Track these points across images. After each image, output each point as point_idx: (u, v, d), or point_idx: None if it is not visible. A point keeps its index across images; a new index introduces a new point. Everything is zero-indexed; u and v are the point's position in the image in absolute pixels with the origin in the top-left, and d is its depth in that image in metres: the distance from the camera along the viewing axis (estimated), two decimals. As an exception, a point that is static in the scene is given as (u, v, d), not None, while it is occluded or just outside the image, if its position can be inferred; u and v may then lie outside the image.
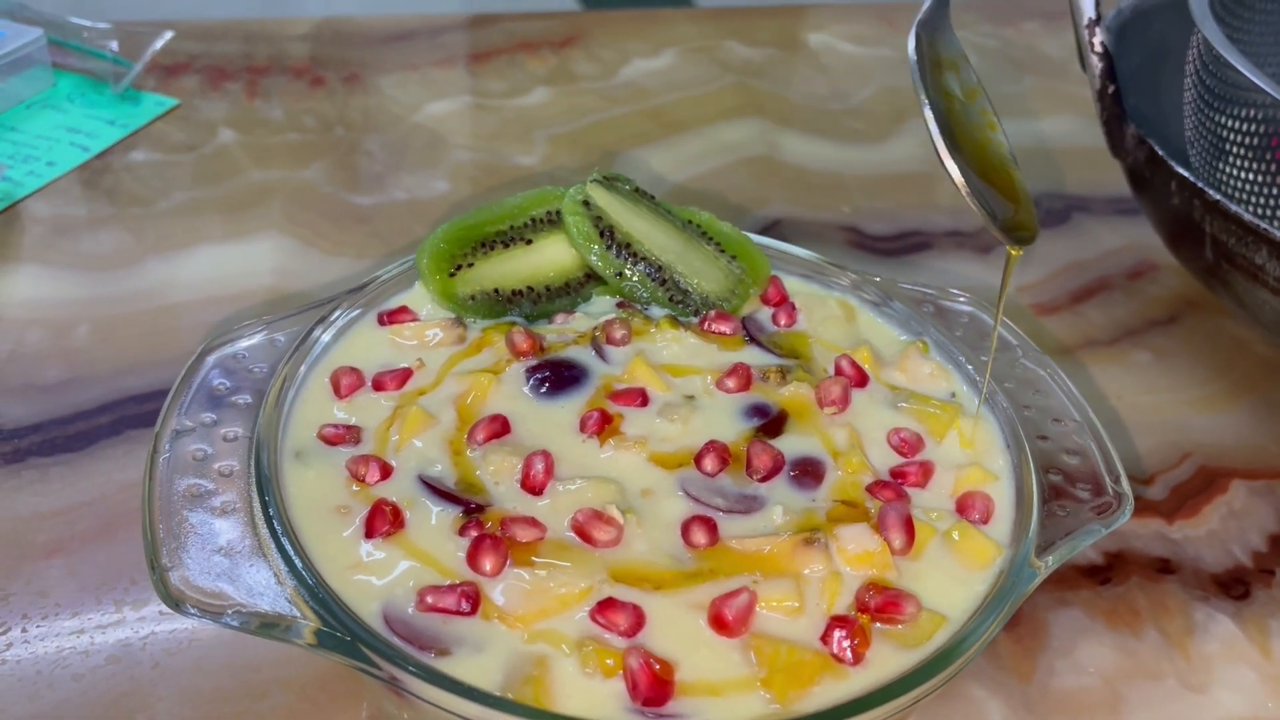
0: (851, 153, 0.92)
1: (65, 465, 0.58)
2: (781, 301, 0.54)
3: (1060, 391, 0.49)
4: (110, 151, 0.81)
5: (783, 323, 0.53)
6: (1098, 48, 0.66)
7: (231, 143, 0.84)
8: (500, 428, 0.45)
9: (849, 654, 0.38)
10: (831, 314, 0.53)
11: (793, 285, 0.55)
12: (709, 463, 0.44)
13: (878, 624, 0.39)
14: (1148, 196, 0.68)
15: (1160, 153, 0.64)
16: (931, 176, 0.90)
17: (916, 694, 0.37)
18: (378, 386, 0.47)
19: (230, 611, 0.37)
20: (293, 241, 0.75)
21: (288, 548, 0.39)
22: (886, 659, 0.38)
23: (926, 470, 0.45)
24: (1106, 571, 0.59)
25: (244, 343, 0.47)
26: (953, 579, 0.41)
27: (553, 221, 0.54)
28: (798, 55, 1.07)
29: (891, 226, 0.84)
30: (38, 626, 0.49)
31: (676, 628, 0.38)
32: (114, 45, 0.84)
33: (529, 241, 0.53)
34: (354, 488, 0.42)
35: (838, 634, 0.38)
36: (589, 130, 0.91)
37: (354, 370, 0.47)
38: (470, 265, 0.52)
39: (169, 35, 0.87)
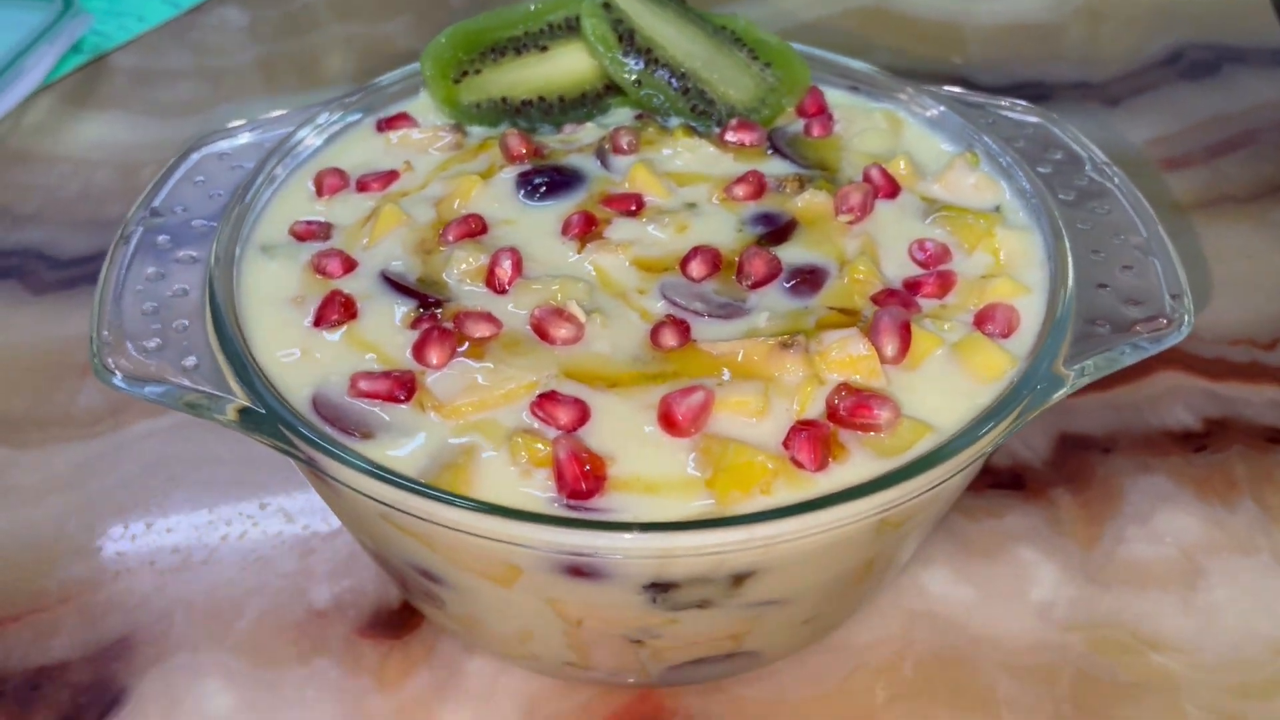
0: (971, 2, 0.83)
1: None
2: (819, 113, 0.48)
3: (1128, 204, 0.42)
4: (199, 9, 0.82)
5: (815, 133, 0.47)
6: None
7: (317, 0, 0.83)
8: (476, 227, 0.42)
9: (809, 458, 0.33)
10: (874, 126, 0.47)
11: (836, 98, 0.49)
12: (695, 267, 0.40)
13: (852, 431, 0.34)
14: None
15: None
16: (1060, 26, 0.81)
17: (876, 501, 0.32)
18: (362, 187, 0.44)
19: (156, 384, 0.35)
20: (363, 91, 0.73)
21: (227, 328, 0.37)
22: (856, 467, 0.33)
23: (945, 281, 0.39)
24: (1203, 438, 0.52)
25: (230, 142, 0.46)
26: (953, 392, 0.36)
27: (572, 29, 0.50)
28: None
29: (1005, 78, 0.75)
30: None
31: (622, 425, 0.35)
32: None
33: (544, 49, 0.49)
34: (316, 279, 0.40)
35: (800, 436, 0.33)
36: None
37: (339, 171, 0.45)
38: (478, 72, 0.48)
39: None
